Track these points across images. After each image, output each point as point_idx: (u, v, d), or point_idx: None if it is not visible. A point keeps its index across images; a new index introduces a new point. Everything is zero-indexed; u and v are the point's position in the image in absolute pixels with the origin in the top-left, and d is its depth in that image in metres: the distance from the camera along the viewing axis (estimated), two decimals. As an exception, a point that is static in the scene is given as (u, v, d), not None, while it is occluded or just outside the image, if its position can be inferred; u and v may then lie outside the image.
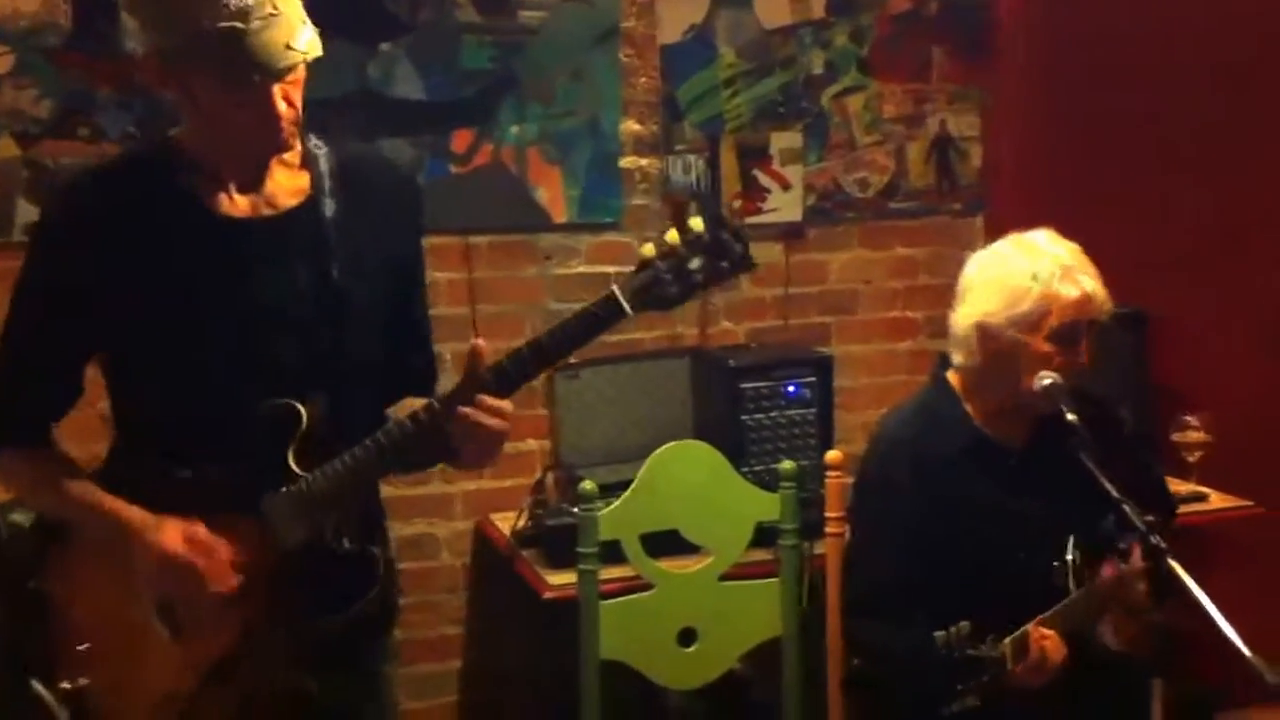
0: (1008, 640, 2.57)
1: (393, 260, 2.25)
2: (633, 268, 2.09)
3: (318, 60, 2.05)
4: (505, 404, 2.09)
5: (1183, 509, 3.63)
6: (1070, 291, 2.70)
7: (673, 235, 2.07)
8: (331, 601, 2.17)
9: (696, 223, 2.08)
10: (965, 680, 2.51)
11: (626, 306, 2.07)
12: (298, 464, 2.11)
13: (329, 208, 2.16)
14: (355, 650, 2.25)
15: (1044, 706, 2.66)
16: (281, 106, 2.05)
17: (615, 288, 2.07)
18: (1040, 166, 4.16)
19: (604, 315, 2.08)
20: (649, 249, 2.08)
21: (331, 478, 2.10)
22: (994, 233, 2.94)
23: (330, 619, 2.16)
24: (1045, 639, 2.62)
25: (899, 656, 2.73)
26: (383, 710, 2.39)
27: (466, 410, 2.07)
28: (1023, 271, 2.72)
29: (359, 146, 2.28)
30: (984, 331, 2.75)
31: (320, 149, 2.19)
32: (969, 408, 2.87)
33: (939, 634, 2.50)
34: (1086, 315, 2.71)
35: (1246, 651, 2.26)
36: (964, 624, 2.51)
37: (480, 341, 2.12)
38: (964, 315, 2.78)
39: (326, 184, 2.17)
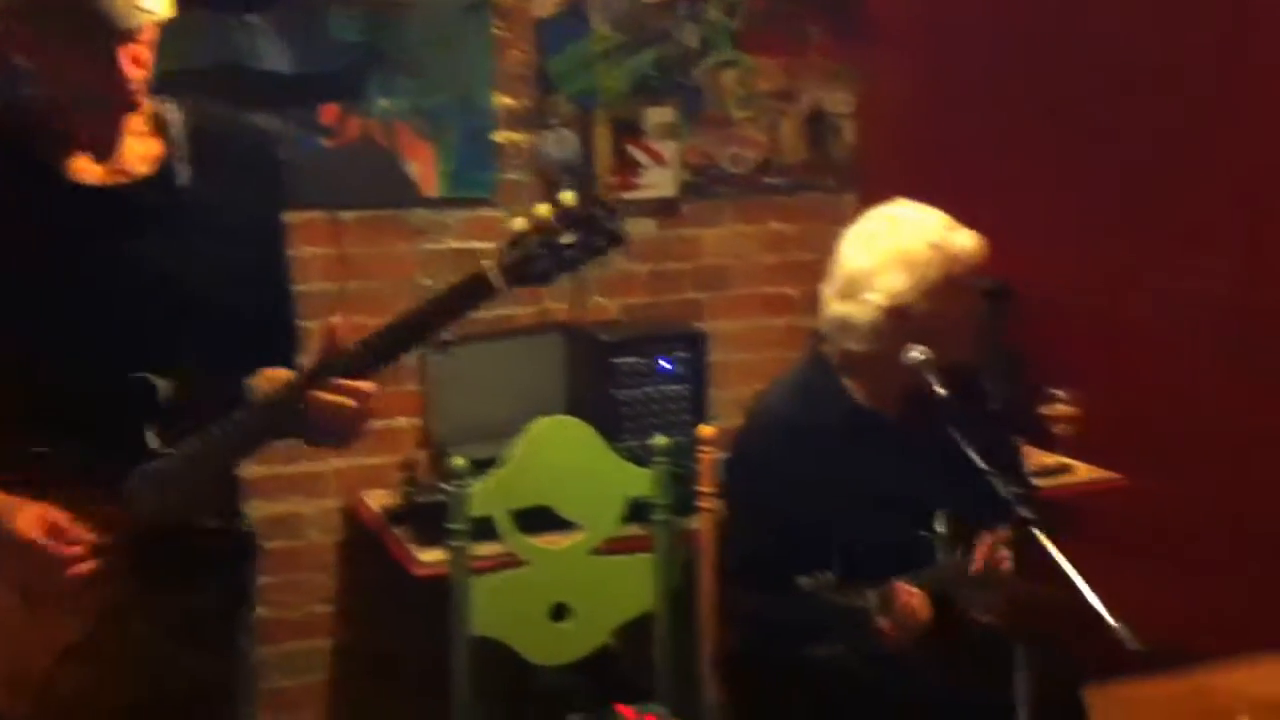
0: (873, 591, 2.60)
1: (250, 228, 2.20)
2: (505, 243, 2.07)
3: (180, 30, 2.01)
4: (363, 385, 2.06)
5: (1049, 481, 3.71)
6: (965, 242, 2.78)
7: (543, 209, 2.05)
8: (192, 579, 2.13)
9: (568, 197, 2.06)
10: (831, 627, 2.55)
11: (497, 282, 2.04)
12: (157, 440, 2.06)
13: (182, 174, 2.12)
14: (216, 628, 2.21)
15: (912, 671, 2.69)
16: (130, 67, 1.99)
17: (485, 263, 2.05)
18: (912, 143, 4.19)
19: (474, 291, 2.05)
20: (520, 223, 2.06)
21: (191, 454, 2.06)
22: (866, 209, 2.95)
23: (191, 597, 2.12)
24: (912, 595, 2.66)
25: (770, 617, 2.75)
26: (245, 688, 2.36)
27: (322, 394, 2.04)
28: (918, 242, 2.76)
29: (214, 111, 2.22)
30: (896, 313, 2.76)
31: (173, 114, 2.14)
32: (846, 382, 2.89)
33: (804, 579, 2.52)
34: (981, 258, 2.79)
35: (1110, 619, 2.29)
36: (830, 573, 2.53)
37: (336, 319, 2.09)
38: (864, 306, 2.78)
39: (180, 150, 2.12)
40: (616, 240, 2.08)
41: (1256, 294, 4.40)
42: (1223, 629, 4.64)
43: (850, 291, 2.81)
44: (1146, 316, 4.32)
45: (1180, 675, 4.53)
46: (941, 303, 2.75)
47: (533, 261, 2.04)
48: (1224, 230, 4.41)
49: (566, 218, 2.04)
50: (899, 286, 2.75)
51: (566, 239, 2.04)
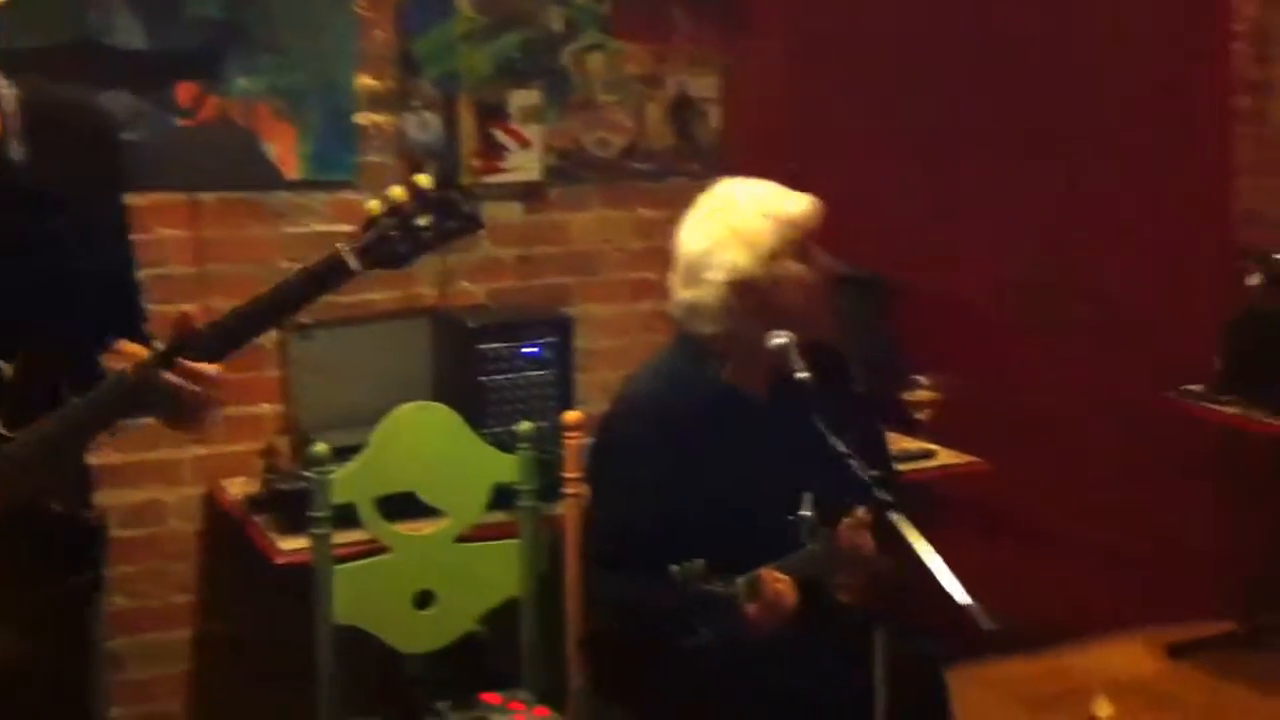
0: (742, 579, 2.62)
1: (88, 207, 2.14)
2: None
3: (33, 6, 1.95)
4: (207, 368, 2.02)
5: (912, 465, 3.76)
6: (798, 205, 2.80)
7: (398, 191, 2.03)
8: (42, 568, 2.08)
9: (423, 179, 2.04)
10: (700, 615, 2.55)
11: (353, 265, 2.02)
12: (3, 425, 2.00)
13: (17, 152, 2.06)
14: (67, 619, 2.16)
15: (775, 654, 2.71)
16: None
17: (341, 246, 2.02)
18: (778, 129, 4.21)
19: (329, 274, 2.03)
20: (375, 206, 2.04)
21: (38, 439, 2.01)
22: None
23: (40, 586, 2.07)
24: (779, 582, 2.68)
25: (638, 604, 2.74)
26: (95, 679, 2.30)
27: (168, 376, 2.00)
28: (750, 214, 2.79)
29: (52, 89, 2.16)
30: (741, 288, 2.77)
31: (7, 91, 2.08)
32: (715, 365, 2.90)
33: (674, 568, 2.52)
34: (817, 219, 2.81)
35: (965, 600, 2.32)
36: (699, 561, 2.54)
37: (189, 308, 2.05)
38: (708, 286, 2.80)
39: (14, 126, 2.06)
40: (473, 223, 2.07)
41: (1082, 276, 4.54)
42: (1079, 608, 4.75)
43: (692, 275, 2.83)
44: (994, 301, 4.42)
45: (1038, 655, 4.64)
46: (783, 270, 2.78)
47: (388, 244, 2.03)
48: (1060, 215, 4.55)
49: (422, 200, 2.03)
50: (738, 261, 2.77)
51: (422, 221, 2.03)
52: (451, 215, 2.04)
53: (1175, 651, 4.65)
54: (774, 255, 2.77)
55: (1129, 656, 4.72)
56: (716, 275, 2.78)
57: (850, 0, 4.29)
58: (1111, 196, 4.64)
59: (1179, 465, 4.71)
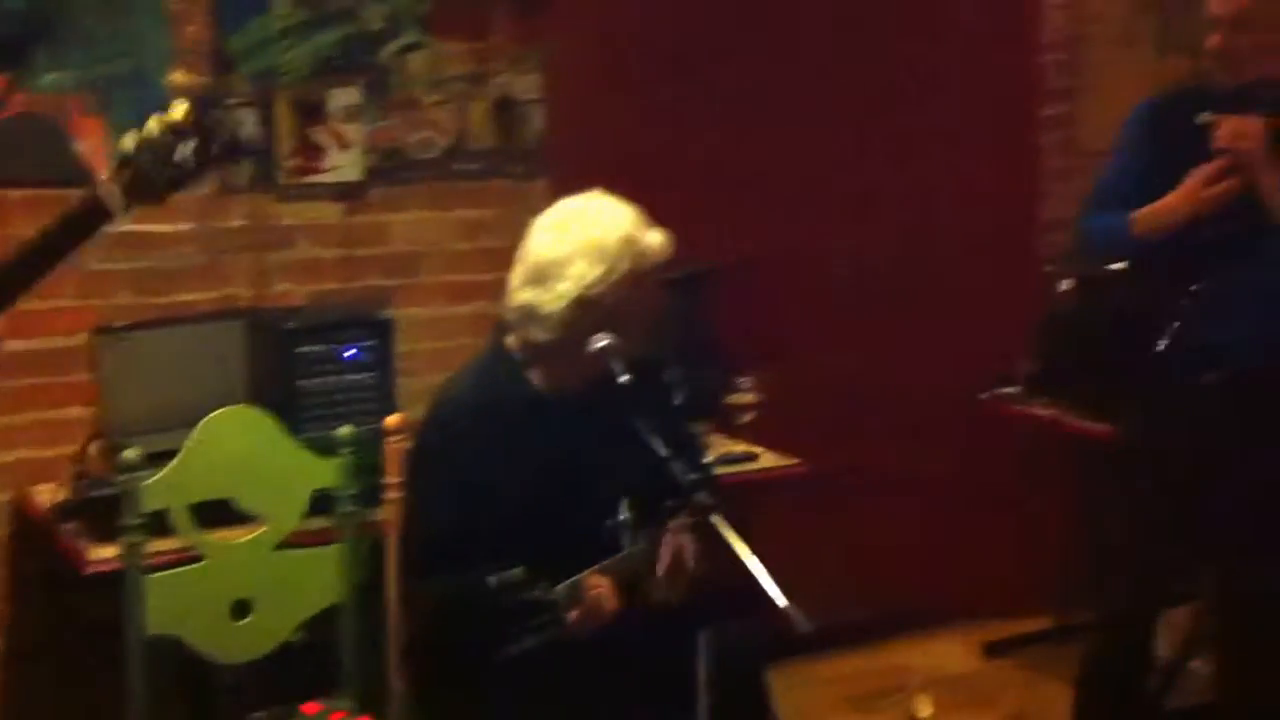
0: (561, 586, 2.62)
1: None
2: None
3: None
4: None
5: (734, 468, 3.78)
6: (656, 237, 2.81)
7: (154, 123, 1.99)
8: None
9: (180, 108, 2.00)
10: (519, 623, 2.55)
11: (113, 203, 1.96)
12: None
13: None
14: None
15: (597, 658, 2.71)
16: None
17: (100, 185, 1.96)
18: (600, 129, 4.21)
19: (89, 216, 1.97)
20: (128, 143, 1.99)
21: None
22: (556, 196, 2.97)
23: None
24: (599, 587, 2.69)
25: (455, 611, 2.73)
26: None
27: None
28: (612, 234, 2.78)
29: None
30: (585, 303, 2.77)
31: None
32: (529, 370, 2.90)
33: (491, 579, 2.52)
34: (668, 254, 2.83)
35: (783, 601, 2.35)
36: (518, 569, 2.54)
37: None
38: (553, 294, 2.78)
39: None
40: (239, 148, 2.05)
41: (896, 279, 4.63)
42: (899, 607, 4.84)
43: (539, 279, 2.81)
44: (815, 294, 4.48)
45: (859, 653, 4.71)
46: (628, 295, 2.78)
47: (147, 177, 1.98)
48: (883, 209, 4.63)
49: (181, 129, 1.98)
50: (589, 277, 2.76)
51: (184, 150, 1.98)
52: (215, 139, 2.01)
53: (991, 649, 4.76)
54: (623, 279, 2.77)
55: (948, 653, 4.81)
56: (564, 286, 2.77)
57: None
58: (924, 201, 4.73)
59: (994, 466, 4.82)
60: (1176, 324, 3.36)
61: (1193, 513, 3.44)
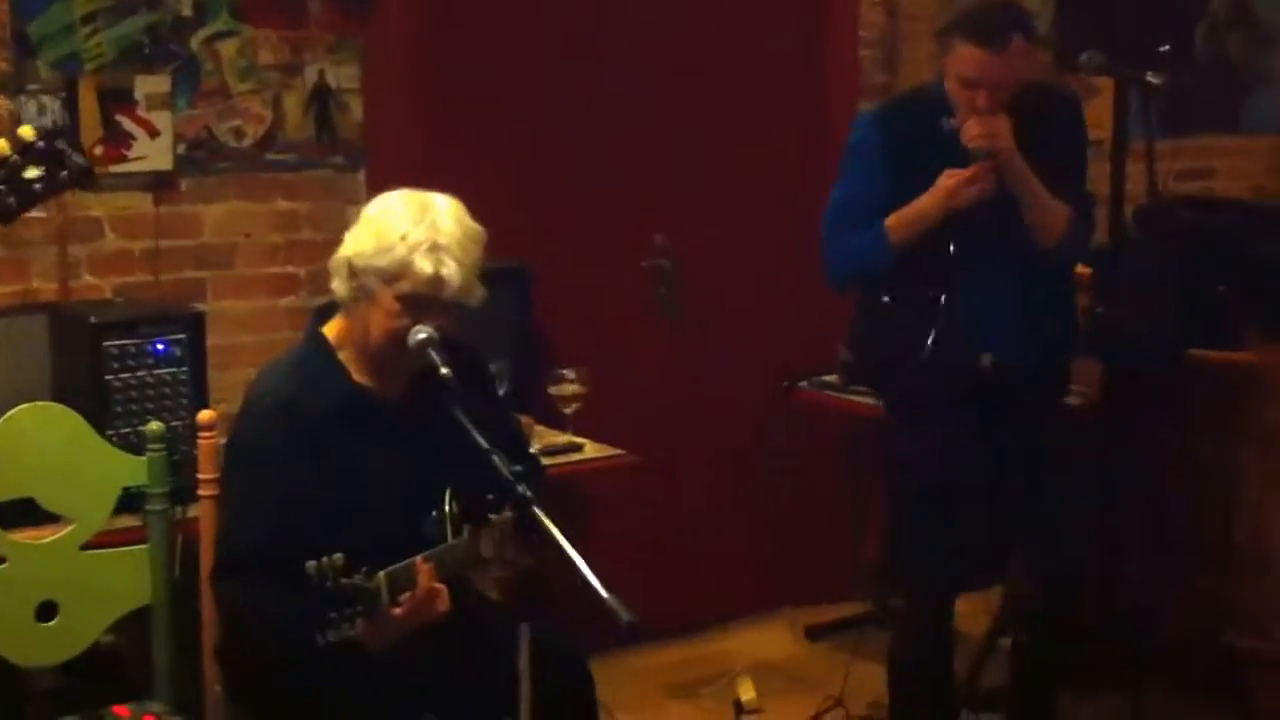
0: (383, 573, 2.59)
1: None
2: None
3: None
4: None
5: (560, 459, 3.78)
6: (425, 268, 2.73)
7: (2, 145, 1.92)
8: None
9: (27, 131, 1.94)
10: (338, 610, 2.51)
11: None
12: None
13: None
14: None
15: (416, 650, 2.70)
16: None
17: None
18: (421, 120, 4.17)
19: None
20: None
21: None
22: (377, 188, 2.94)
23: None
24: (424, 574, 2.67)
25: (267, 608, 2.68)
26: None
27: None
28: (398, 228, 2.75)
29: None
30: (351, 267, 2.78)
31: None
32: (345, 363, 2.86)
33: (311, 564, 2.48)
34: (437, 294, 2.75)
35: (604, 593, 2.34)
36: (338, 555, 2.50)
37: None
38: (344, 245, 2.80)
39: None
40: (84, 176, 1.99)
41: (715, 270, 4.68)
42: (722, 595, 4.88)
43: (354, 228, 2.82)
44: (633, 290, 4.50)
45: (684, 641, 4.74)
46: (384, 290, 2.76)
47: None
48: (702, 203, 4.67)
49: (30, 152, 1.93)
50: (361, 247, 2.77)
51: (32, 173, 1.93)
52: (64, 165, 1.95)
53: (812, 633, 4.82)
54: (381, 273, 2.74)
55: (770, 639, 4.87)
56: (349, 241, 2.79)
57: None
58: (745, 195, 4.76)
59: (813, 453, 4.89)
60: (934, 331, 3.47)
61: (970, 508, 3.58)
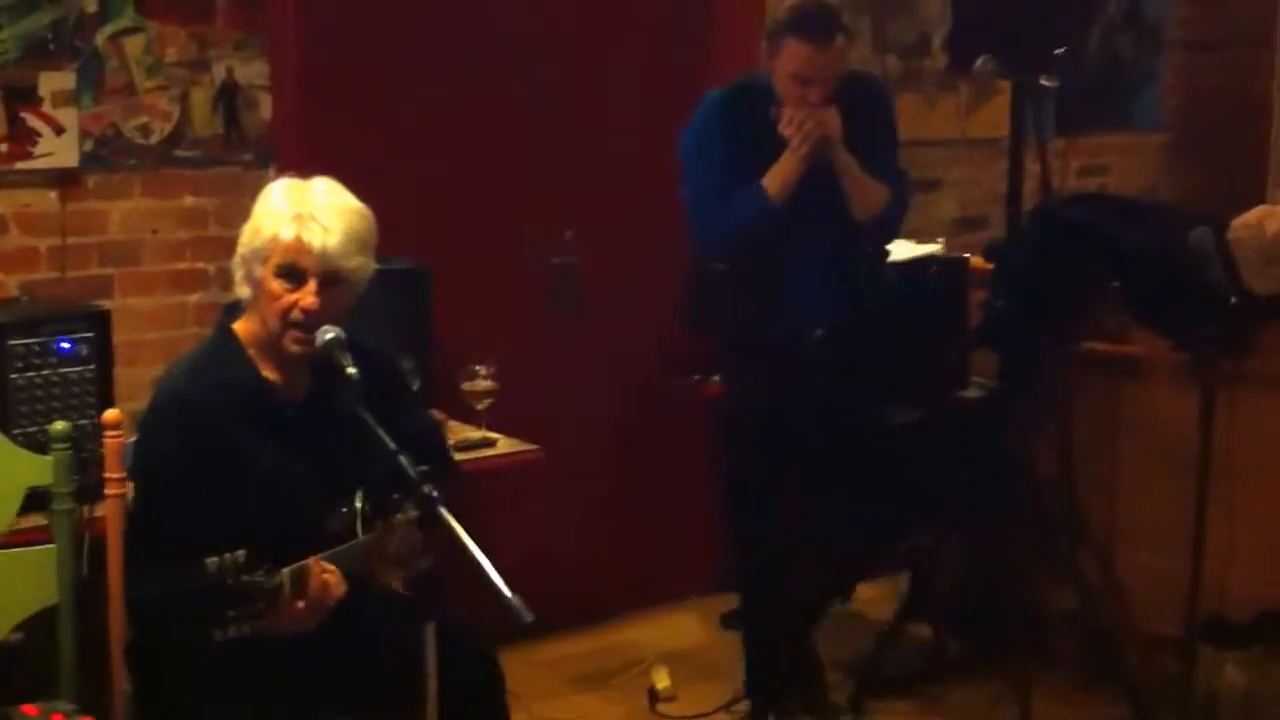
0: (286, 570, 2.60)
1: None
2: None
3: None
4: None
5: (473, 454, 3.80)
6: (287, 234, 2.75)
7: None
8: None
9: None
10: (237, 607, 2.50)
11: None
12: None
13: None
14: None
15: (322, 647, 2.71)
16: None
17: None
18: (327, 118, 4.17)
19: None
20: None
21: None
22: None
23: None
24: (327, 573, 2.69)
25: (172, 597, 2.66)
26: None
27: None
28: (267, 210, 2.79)
29: None
30: (241, 260, 2.82)
31: None
32: (254, 360, 2.87)
33: (211, 560, 2.49)
34: (304, 261, 2.76)
35: (507, 592, 2.38)
36: (240, 552, 2.51)
37: None
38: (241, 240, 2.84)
39: None
40: None
41: (612, 263, 4.71)
42: (635, 585, 4.93)
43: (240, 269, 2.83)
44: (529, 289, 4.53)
45: (596, 631, 4.78)
46: (264, 270, 2.79)
47: None
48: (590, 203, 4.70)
49: None
50: (243, 239, 2.80)
51: None
52: None
53: (726, 620, 4.87)
54: (255, 255, 2.78)
55: (684, 628, 4.91)
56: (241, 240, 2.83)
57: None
58: (638, 189, 4.77)
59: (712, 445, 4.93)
60: (767, 304, 3.86)
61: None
